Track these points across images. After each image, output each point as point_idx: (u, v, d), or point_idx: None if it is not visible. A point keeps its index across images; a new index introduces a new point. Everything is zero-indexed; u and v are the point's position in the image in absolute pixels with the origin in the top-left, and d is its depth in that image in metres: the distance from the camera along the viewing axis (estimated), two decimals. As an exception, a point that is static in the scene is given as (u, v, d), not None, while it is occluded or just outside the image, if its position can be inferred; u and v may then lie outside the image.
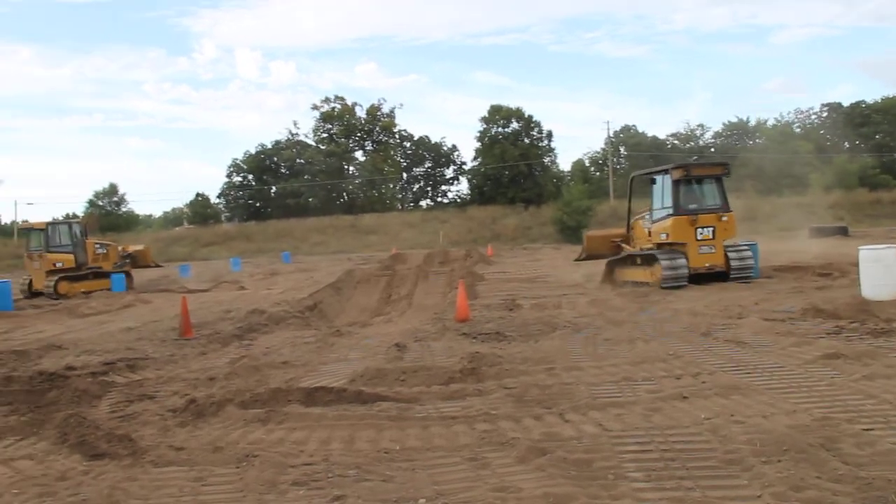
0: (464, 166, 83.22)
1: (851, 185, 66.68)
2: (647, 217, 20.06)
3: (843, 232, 42.09)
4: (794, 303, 13.92)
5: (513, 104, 76.98)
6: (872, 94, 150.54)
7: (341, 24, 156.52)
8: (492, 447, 6.11)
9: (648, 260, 18.87)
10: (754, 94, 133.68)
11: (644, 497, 4.92)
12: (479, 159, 76.70)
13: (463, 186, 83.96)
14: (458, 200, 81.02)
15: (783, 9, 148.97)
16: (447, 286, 22.63)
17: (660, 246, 18.84)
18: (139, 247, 33.50)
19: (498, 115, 75.08)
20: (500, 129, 74.99)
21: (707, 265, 18.34)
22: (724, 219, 18.53)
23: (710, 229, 18.33)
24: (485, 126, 75.54)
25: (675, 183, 18.42)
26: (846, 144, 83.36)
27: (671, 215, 18.39)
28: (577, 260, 24.15)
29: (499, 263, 33.17)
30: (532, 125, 75.26)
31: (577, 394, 7.73)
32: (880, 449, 5.54)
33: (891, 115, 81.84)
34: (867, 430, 6.03)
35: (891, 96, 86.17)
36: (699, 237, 18.26)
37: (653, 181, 19.66)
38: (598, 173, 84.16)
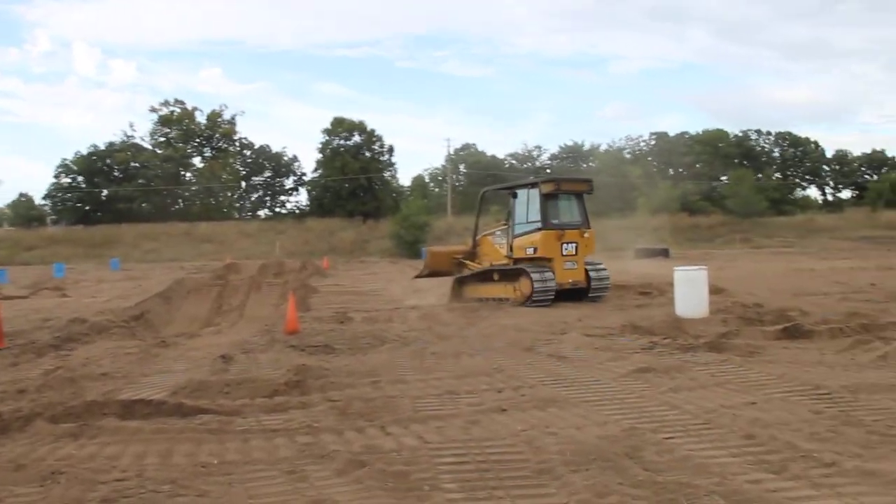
0: (304, 177, 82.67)
1: (674, 209, 70.66)
2: (499, 233, 19.99)
3: (665, 254, 44.58)
4: (615, 319, 14.60)
5: (357, 117, 77.37)
6: (696, 125, 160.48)
7: (187, 26, 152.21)
8: (311, 460, 6.09)
9: (511, 275, 18.72)
10: (591, 120, 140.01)
11: (456, 507, 5.06)
12: (319, 171, 76.27)
13: (302, 197, 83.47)
14: (297, 211, 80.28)
15: (621, 40, 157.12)
16: (280, 298, 22.28)
17: (523, 261, 18.65)
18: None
19: (341, 127, 74.99)
20: (342, 142, 74.85)
21: (570, 281, 18.45)
22: (586, 235, 18.80)
23: (574, 245, 18.49)
24: (327, 138, 75.23)
25: (545, 197, 18.35)
26: (671, 171, 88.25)
27: (539, 229, 18.26)
28: (417, 277, 23.03)
29: (334, 276, 33.07)
30: (374, 139, 75.60)
31: (400, 407, 7.82)
32: (678, 455, 5.93)
33: (711, 145, 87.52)
34: (668, 438, 6.44)
35: (711, 129, 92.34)
36: (564, 252, 18.37)
37: (514, 195, 19.39)
38: (437, 189, 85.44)
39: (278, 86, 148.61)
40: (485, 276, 19.74)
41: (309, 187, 79.54)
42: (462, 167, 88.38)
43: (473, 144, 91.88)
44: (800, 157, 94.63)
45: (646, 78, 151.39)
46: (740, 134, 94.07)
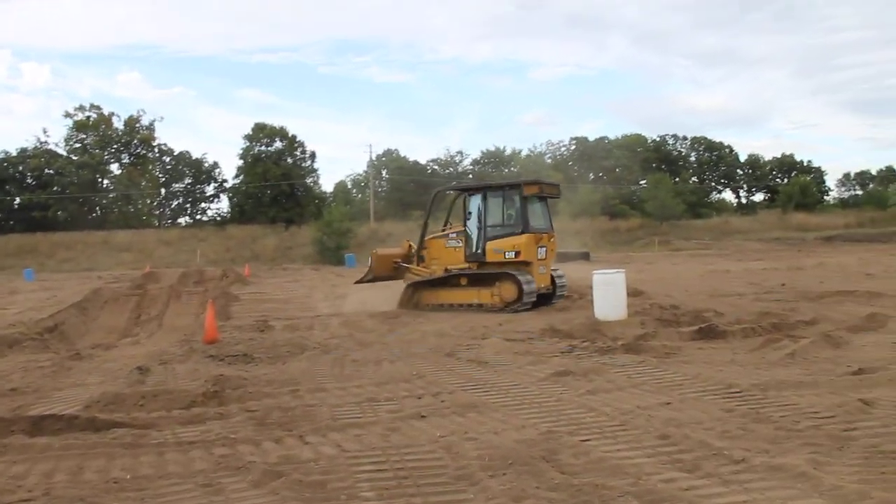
0: (225, 184, 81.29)
1: (594, 213, 71.80)
2: (453, 236, 19.13)
3: (586, 257, 45.20)
4: (535, 323, 14.74)
5: (279, 123, 76.59)
6: (615, 130, 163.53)
7: (104, 29, 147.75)
8: (228, 472, 5.98)
9: (485, 280, 18.15)
10: (513, 125, 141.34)
11: (374, 516, 5.03)
12: (240, 177, 75.20)
13: (223, 204, 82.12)
14: (218, 219, 78.87)
15: (542, 47, 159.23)
16: (200, 307, 21.88)
17: (497, 265, 18.07)
18: None
19: (262, 133, 74.10)
20: (263, 148, 73.98)
21: (543, 286, 18.20)
22: (552, 240, 18.76)
23: (545, 249, 18.30)
24: (248, 144, 74.25)
25: (525, 199, 17.93)
26: (591, 176, 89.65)
27: (522, 232, 17.79)
28: (359, 282, 21.29)
29: (256, 284, 32.58)
30: (296, 145, 74.94)
31: (319, 415, 7.75)
32: (593, 457, 6.00)
33: (630, 150, 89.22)
34: (585, 440, 6.52)
35: (630, 134, 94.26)
36: (539, 257, 18.12)
37: (484, 197, 18.51)
38: (359, 195, 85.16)
39: (198, 91, 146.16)
40: (445, 282, 18.82)
41: (230, 194, 78.31)
42: (384, 173, 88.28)
43: (396, 150, 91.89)
44: (715, 161, 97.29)
45: (566, 84, 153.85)
46: (658, 139, 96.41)
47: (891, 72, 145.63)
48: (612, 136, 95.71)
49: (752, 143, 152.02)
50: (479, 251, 18.35)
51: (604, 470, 5.69)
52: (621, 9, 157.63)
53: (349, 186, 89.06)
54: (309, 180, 76.44)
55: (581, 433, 6.78)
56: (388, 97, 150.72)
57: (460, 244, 18.80)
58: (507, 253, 17.91)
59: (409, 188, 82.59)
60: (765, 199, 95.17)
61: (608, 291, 15.14)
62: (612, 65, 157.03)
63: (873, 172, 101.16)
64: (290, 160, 73.67)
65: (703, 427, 6.83)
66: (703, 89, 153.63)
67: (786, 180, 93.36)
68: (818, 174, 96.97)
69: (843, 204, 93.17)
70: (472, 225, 18.63)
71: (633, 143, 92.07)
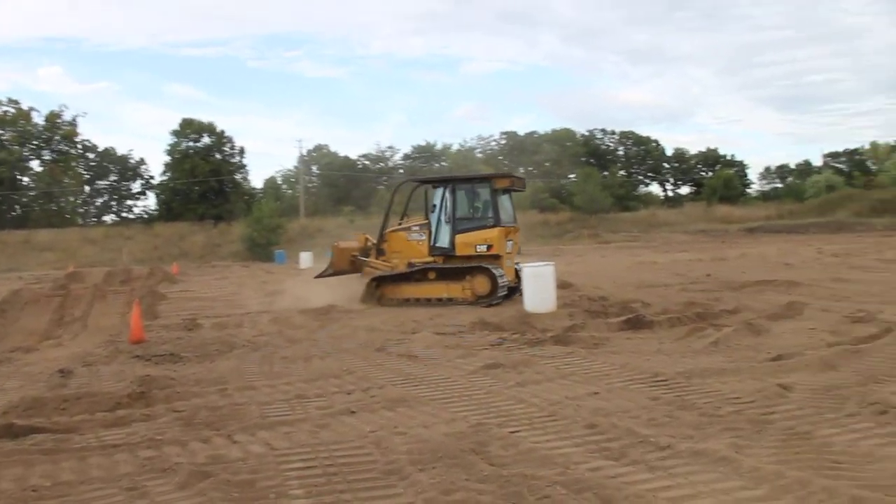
0: (152, 181, 79.54)
1: (524, 207, 72.33)
2: (416, 229, 18.63)
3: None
4: (466, 317, 14.80)
5: (207, 118, 74.93)
6: (545, 125, 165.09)
7: (24, 21, 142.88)
8: (153, 474, 5.87)
9: (455, 274, 17.77)
10: (443, 120, 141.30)
11: (303, 513, 5.00)
12: (168, 174, 73.67)
13: (150, 202, 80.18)
14: (145, 216, 77.12)
15: (473, 42, 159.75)
16: (126, 306, 21.41)
17: (467, 258, 17.81)
18: None
19: (189, 128, 72.60)
20: (191, 144, 72.61)
21: (510, 279, 17.99)
22: (518, 233, 18.73)
23: (511, 243, 18.24)
24: (175, 140, 72.77)
25: (495, 192, 17.79)
26: (521, 170, 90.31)
27: (494, 226, 17.62)
28: (321, 276, 20.47)
29: (185, 282, 32.02)
30: (224, 140, 73.68)
31: (247, 414, 7.67)
32: (523, 448, 6.07)
33: (559, 144, 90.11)
34: (514, 432, 6.59)
35: (559, 128, 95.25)
36: (507, 250, 17.98)
37: (453, 190, 18.08)
38: (289, 191, 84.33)
39: (123, 86, 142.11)
40: (409, 276, 18.27)
41: (157, 191, 76.51)
42: (315, 168, 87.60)
43: (326, 145, 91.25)
44: (642, 155, 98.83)
45: (497, 79, 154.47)
46: (587, 133, 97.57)
47: (809, 70, 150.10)
48: (541, 131, 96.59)
49: (678, 137, 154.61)
50: (446, 244, 18.04)
51: (533, 460, 5.76)
52: (553, 5, 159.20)
53: (279, 182, 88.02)
54: (238, 176, 75.25)
55: (510, 425, 6.85)
56: (319, 92, 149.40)
57: (423, 237, 18.44)
58: (478, 246, 17.72)
59: (339, 183, 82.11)
60: (690, 192, 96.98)
61: (537, 284, 15.29)
62: (543, 60, 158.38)
63: (792, 166, 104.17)
64: (218, 156, 72.36)
65: (629, 415, 6.97)
66: (632, 85, 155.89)
67: (710, 174, 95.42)
68: (741, 168, 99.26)
69: (764, 196, 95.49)
70: (438, 218, 18.27)
71: (563, 138, 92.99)
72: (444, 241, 18.09)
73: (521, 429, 6.71)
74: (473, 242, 17.73)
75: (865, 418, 6.57)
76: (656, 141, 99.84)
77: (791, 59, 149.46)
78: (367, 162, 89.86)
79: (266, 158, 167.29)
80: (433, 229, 18.28)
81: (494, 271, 17.19)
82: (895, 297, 15.09)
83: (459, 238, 17.84)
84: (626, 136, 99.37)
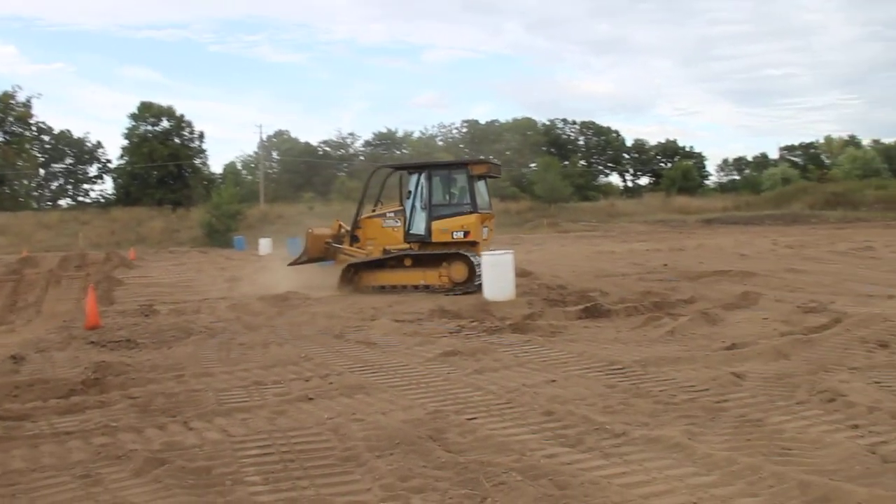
0: (109, 164, 78.41)
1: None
2: (391, 215, 18.42)
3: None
4: (425, 305, 14.81)
5: (166, 102, 74.23)
6: (506, 114, 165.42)
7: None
8: (108, 462, 5.80)
9: (431, 260, 17.62)
10: (405, 108, 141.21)
11: (260, 500, 4.96)
12: (125, 158, 72.55)
13: (107, 186, 79.24)
14: (102, 200, 76.05)
15: (436, 30, 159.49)
16: (82, 292, 21.13)
17: (442, 245, 17.60)
18: None
19: (148, 112, 71.50)
20: (149, 128, 71.57)
21: None
22: (492, 220, 18.62)
23: (486, 229, 18.10)
24: (133, 123, 71.67)
25: (472, 178, 17.57)
26: (482, 158, 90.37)
27: (471, 212, 17.44)
28: (294, 263, 20.03)
29: (142, 267, 31.64)
30: (184, 125, 72.77)
31: (204, 400, 7.62)
32: (479, 435, 6.10)
33: (519, 133, 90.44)
34: (471, 419, 6.62)
35: (520, 117, 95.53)
36: (482, 237, 17.80)
37: (429, 176, 17.80)
38: (249, 177, 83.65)
39: (80, 67, 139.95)
40: (385, 263, 18.06)
41: (115, 175, 75.38)
42: (275, 154, 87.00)
43: (287, 131, 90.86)
44: (603, 145, 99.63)
45: (459, 67, 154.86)
46: (548, 123, 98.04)
47: (766, 64, 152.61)
48: (503, 120, 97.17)
49: (638, 128, 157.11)
50: (422, 231, 17.81)
51: (489, 447, 5.80)
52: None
53: (239, 168, 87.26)
54: (197, 161, 74.39)
55: (468, 412, 6.88)
56: (280, 77, 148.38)
57: (398, 224, 18.26)
58: (455, 233, 17.53)
59: (300, 170, 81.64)
60: (649, 183, 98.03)
61: (496, 272, 15.34)
62: (505, 49, 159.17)
63: (749, 158, 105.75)
64: (177, 140, 71.46)
65: (586, 403, 7.04)
66: (594, 75, 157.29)
67: (669, 165, 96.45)
68: (699, 159, 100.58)
69: (721, 188, 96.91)
70: (413, 204, 18.07)
71: (524, 127, 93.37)
72: (419, 227, 17.89)
73: (479, 416, 6.75)
74: (450, 229, 17.56)
75: (815, 406, 6.72)
76: (616, 131, 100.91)
77: (749, 53, 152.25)
78: (327, 148, 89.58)
79: (226, 143, 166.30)
80: (408, 216, 18.08)
81: (472, 258, 17.05)
82: (846, 289, 15.41)
83: (436, 224, 17.65)
84: (587, 127, 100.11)
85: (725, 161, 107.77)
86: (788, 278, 17.62)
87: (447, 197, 18.01)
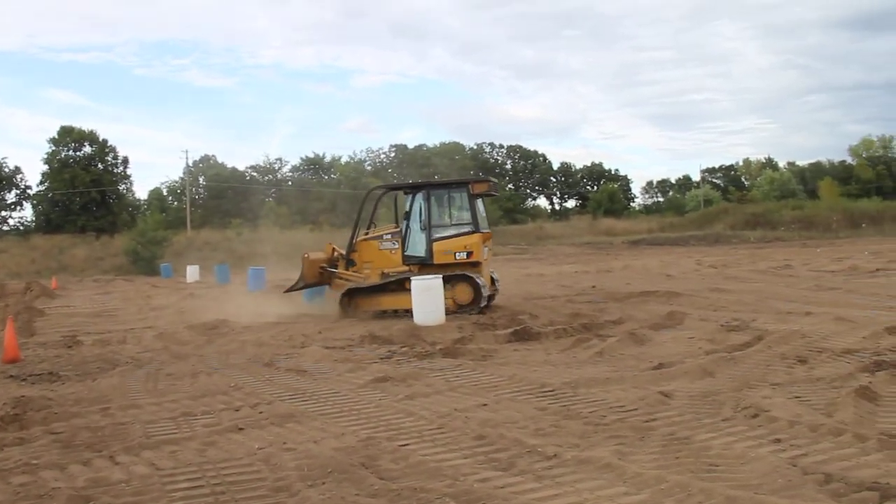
0: (28, 191, 76.10)
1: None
2: (388, 237, 17.87)
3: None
4: (356, 330, 14.74)
5: (88, 126, 72.41)
6: (434, 138, 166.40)
7: None
8: (29, 502, 5.61)
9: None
10: (333, 132, 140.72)
11: (189, 534, 4.89)
12: (46, 184, 70.67)
13: (27, 213, 76.69)
14: (21, 228, 73.75)
15: (364, 55, 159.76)
16: (0, 323, 20.47)
17: (444, 267, 17.00)
18: None
19: (69, 136, 69.90)
20: (71, 153, 69.90)
21: (488, 288, 17.41)
22: (490, 240, 18.18)
23: (487, 249, 17.65)
24: (54, 148, 69.89)
25: (472, 198, 17.20)
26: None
27: (472, 232, 17.04)
28: (291, 290, 19.46)
29: (65, 297, 30.81)
30: (107, 150, 71.31)
31: (131, 434, 7.44)
32: (412, 461, 6.10)
33: (447, 157, 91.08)
34: (403, 445, 6.62)
35: (448, 141, 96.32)
36: (483, 257, 17.27)
37: (427, 196, 17.33)
38: (175, 203, 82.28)
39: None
40: (385, 287, 17.35)
41: (34, 202, 73.38)
42: (202, 179, 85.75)
43: (213, 156, 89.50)
44: (530, 169, 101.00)
45: (387, 92, 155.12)
46: (475, 147, 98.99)
47: (687, 89, 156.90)
48: (430, 144, 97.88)
49: (565, 151, 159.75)
50: (422, 253, 17.30)
51: (422, 473, 5.80)
52: (443, 20, 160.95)
53: (165, 193, 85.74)
54: (121, 187, 73.03)
55: (400, 438, 6.87)
56: (207, 102, 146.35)
57: (396, 246, 17.66)
58: (458, 254, 17.04)
59: (227, 195, 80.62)
60: (576, 206, 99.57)
61: (426, 297, 15.35)
62: (432, 74, 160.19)
63: (672, 181, 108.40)
64: (100, 166, 70.03)
65: (517, 426, 7.09)
66: (521, 100, 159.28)
67: (595, 188, 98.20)
68: (624, 182, 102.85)
69: (646, 210, 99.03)
70: (409, 225, 17.54)
71: (452, 151, 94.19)
72: (418, 249, 17.38)
73: (411, 442, 6.74)
74: (453, 250, 17.09)
75: (739, 422, 6.90)
76: (543, 155, 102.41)
77: (672, 79, 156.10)
78: (255, 174, 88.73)
79: (151, 169, 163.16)
80: (404, 237, 17.57)
81: (477, 279, 16.71)
82: (767, 306, 15.85)
83: (437, 246, 17.15)
84: (514, 150, 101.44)
85: (650, 183, 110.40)
86: (712, 297, 18.03)
87: (447, 217, 17.57)
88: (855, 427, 6.47)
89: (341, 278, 18.26)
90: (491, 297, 17.92)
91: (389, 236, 17.94)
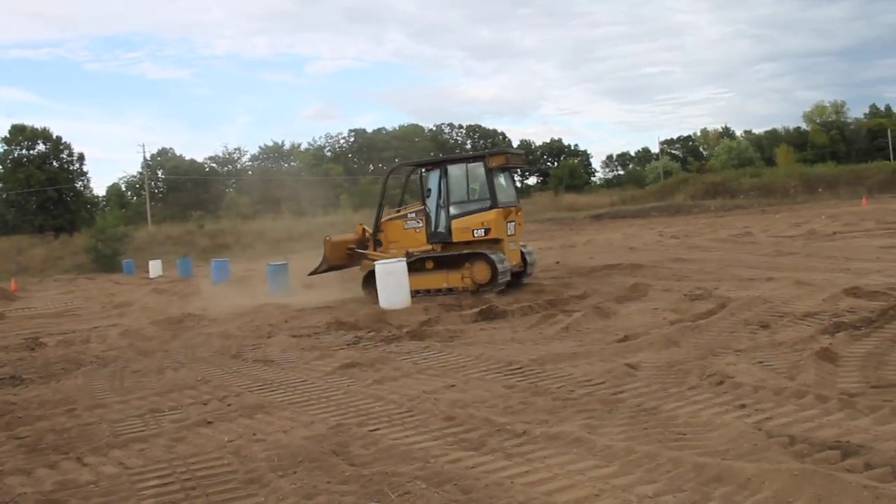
0: (-18, 192, 74.75)
1: (375, 204, 72.28)
2: (412, 215, 17.52)
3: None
4: (322, 318, 14.69)
5: (41, 124, 71.07)
6: (393, 121, 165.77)
7: None
8: (-5, 508, 5.57)
9: (454, 262, 16.59)
10: (291, 120, 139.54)
11: (161, 531, 4.86)
12: (0, 184, 69.42)
13: (-18, 215, 75.35)
14: (-24, 230, 72.49)
15: (319, 41, 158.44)
16: (-41, 329, 20.13)
17: (465, 244, 16.62)
18: None
19: (22, 135, 68.58)
20: (24, 152, 68.64)
21: (514, 264, 16.91)
22: (520, 213, 17.58)
23: (514, 225, 17.02)
24: (6, 147, 68.60)
25: (491, 171, 16.54)
26: (370, 167, 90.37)
27: (491, 207, 16.42)
28: (313, 273, 19.05)
29: (25, 299, 30.30)
30: (62, 147, 70.14)
31: (98, 434, 7.36)
32: (383, 446, 6.12)
33: (407, 140, 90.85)
34: (373, 430, 6.64)
35: (407, 124, 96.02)
36: (508, 233, 16.75)
37: (445, 172, 16.93)
38: (135, 198, 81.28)
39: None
40: (409, 266, 16.33)
41: (-11, 203, 72.20)
42: (160, 173, 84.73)
43: (171, 149, 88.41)
44: (490, 148, 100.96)
45: (344, 77, 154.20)
46: (434, 128, 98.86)
47: (643, 63, 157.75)
48: (389, 127, 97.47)
49: (524, 129, 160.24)
50: (443, 230, 16.88)
51: (393, 457, 5.81)
52: (398, 4, 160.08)
53: (123, 189, 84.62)
54: (78, 184, 71.87)
55: (370, 423, 6.89)
56: (162, 94, 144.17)
57: (420, 224, 17.29)
58: (475, 231, 16.50)
59: (187, 188, 79.79)
60: (538, 182, 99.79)
61: (391, 280, 15.30)
62: (389, 57, 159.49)
63: (632, 154, 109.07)
64: (55, 164, 68.89)
65: (486, 405, 7.12)
66: (478, 80, 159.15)
67: (556, 164, 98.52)
68: (584, 157, 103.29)
69: (607, 184, 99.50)
70: (433, 203, 17.09)
71: (411, 133, 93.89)
72: (441, 226, 17.00)
73: (381, 426, 6.76)
74: (470, 227, 16.56)
75: (705, 390, 7.00)
76: (503, 133, 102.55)
77: (627, 54, 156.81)
78: (214, 165, 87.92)
79: (108, 165, 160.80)
80: (431, 215, 17.14)
81: (493, 257, 16.13)
82: (729, 274, 16.05)
83: (455, 223, 16.71)
84: (473, 130, 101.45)
85: (610, 157, 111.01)
86: (675, 268, 18.20)
87: (466, 193, 16.97)
88: (817, 388, 6.60)
89: (369, 259, 17.88)
90: (520, 274, 17.55)
91: (413, 215, 17.62)
